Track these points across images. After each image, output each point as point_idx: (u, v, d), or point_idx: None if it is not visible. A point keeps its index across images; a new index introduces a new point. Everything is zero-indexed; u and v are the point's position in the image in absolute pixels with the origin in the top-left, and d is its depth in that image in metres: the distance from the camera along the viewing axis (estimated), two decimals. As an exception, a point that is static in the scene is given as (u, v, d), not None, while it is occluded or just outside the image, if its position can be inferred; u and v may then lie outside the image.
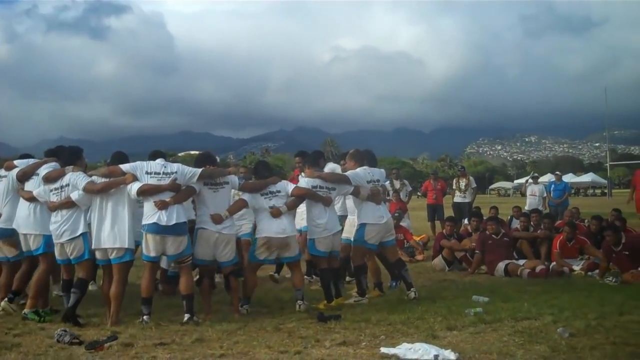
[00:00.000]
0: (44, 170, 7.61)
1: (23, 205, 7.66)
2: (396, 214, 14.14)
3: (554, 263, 10.89)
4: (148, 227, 7.10)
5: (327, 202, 8.14)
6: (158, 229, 7.07)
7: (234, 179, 7.87)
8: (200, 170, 7.52)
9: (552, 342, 5.87)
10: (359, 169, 8.70)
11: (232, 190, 7.94)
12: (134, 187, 7.14)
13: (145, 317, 7.15)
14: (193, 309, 7.19)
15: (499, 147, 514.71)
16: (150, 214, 7.10)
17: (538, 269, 10.33)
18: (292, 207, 8.03)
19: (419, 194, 23.05)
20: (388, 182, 17.87)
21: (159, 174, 7.30)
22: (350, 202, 8.86)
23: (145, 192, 7.14)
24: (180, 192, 7.30)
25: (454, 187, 17.34)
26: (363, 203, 8.46)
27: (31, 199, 7.56)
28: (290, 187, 8.13)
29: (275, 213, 7.76)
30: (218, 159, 14.68)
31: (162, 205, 7.06)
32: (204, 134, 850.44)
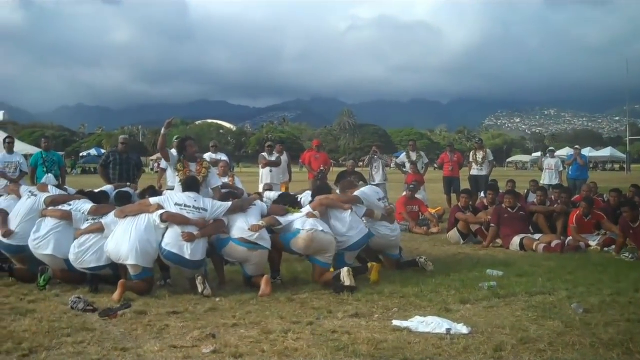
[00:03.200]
0: (86, 205, 7.78)
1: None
2: (412, 186, 14.12)
3: (570, 238, 10.79)
4: (167, 254, 7.07)
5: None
6: (178, 260, 7.07)
7: (263, 205, 8.02)
8: (229, 204, 7.62)
9: (566, 318, 5.84)
10: (365, 189, 8.87)
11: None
12: (159, 213, 7.19)
13: (168, 280, 7.52)
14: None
15: (518, 120, 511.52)
16: (173, 242, 7.06)
17: (554, 243, 10.26)
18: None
19: (435, 166, 22.97)
20: (404, 154, 17.87)
21: (189, 206, 7.36)
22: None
23: (172, 220, 7.18)
24: (209, 226, 7.34)
25: (470, 159, 17.17)
26: (376, 223, 8.47)
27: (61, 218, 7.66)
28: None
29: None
30: (215, 143, 14.61)
31: (189, 238, 7.04)
32: (221, 102, 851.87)
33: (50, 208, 7.78)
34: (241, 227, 7.40)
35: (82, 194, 8.54)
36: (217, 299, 6.74)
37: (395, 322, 5.69)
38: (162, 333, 5.49)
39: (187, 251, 7.00)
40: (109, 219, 7.42)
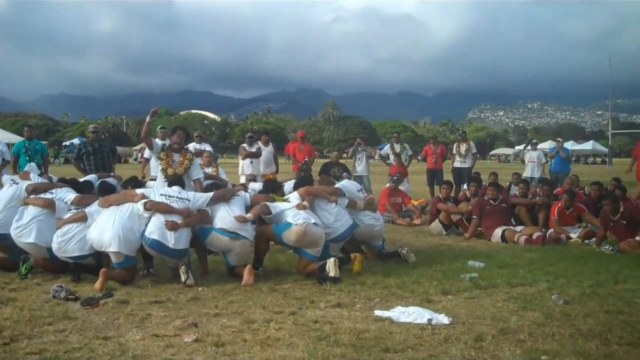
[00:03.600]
0: (69, 195, 7.76)
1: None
2: (395, 178, 14.15)
3: (552, 230, 10.87)
4: (151, 243, 7.03)
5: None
6: (161, 248, 7.04)
7: (246, 195, 8.04)
8: (210, 195, 7.64)
9: (546, 309, 5.90)
10: (344, 182, 9.01)
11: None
12: (142, 201, 7.18)
13: (150, 269, 7.56)
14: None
15: (501, 113, 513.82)
16: (156, 231, 7.04)
17: (535, 235, 10.33)
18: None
19: (419, 158, 23.10)
20: (388, 146, 17.90)
21: (172, 197, 7.39)
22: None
23: (156, 208, 7.17)
24: (193, 216, 7.34)
25: (454, 151, 17.23)
26: (360, 212, 8.52)
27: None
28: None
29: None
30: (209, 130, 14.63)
31: (173, 227, 7.03)
32: (206, 92, 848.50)
33: (32, 196, 7.73)
34: (223, 216, 7.40)
35: (64, 182, 8.49)
36: (200, 289, 6.75)
37: (377, 312, 5.72)
38: (144, 322, 5.48)
39: (171, 240, 6.99)
40: (92, 208, 7.39)
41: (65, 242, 7.20)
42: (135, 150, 67.16)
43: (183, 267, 6.99)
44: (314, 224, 7.53)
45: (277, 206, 7.84)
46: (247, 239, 7.43)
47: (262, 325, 5.35)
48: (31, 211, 7.54)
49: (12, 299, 6.23)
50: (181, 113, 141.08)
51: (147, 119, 8.48)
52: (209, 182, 8.91)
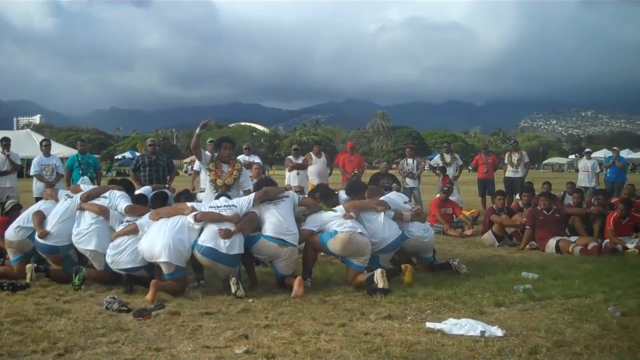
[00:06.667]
0: (122, 202, 7.90)
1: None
2: (445, 188, 14.03)
3: (607, 240, 10.62)
4: (204, 250, 7.08)
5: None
6: (214, 255, 7.08)
7: (294, 196, 8.03)
8: (253, 195, 7.68)
9: (602, 321, 5.75)
10: (391, 194, 8.93)
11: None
12: (192, 214, 7.28)
13: (201, 281, 7.63)
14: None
15: (554, 122, 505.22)
16: (209, 238, 7.10)
17: (590, 246, 10.10)
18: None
19: (470, 168, 22.81)
20: (438, 156, 17.76)
21: (220, 206, 7.50)
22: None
23: (207, 218, 7.26)
24: (242, 221, 7.40)
25: (505, 161, 17.06)
26: (408, 224, 8.45)
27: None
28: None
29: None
30: (248, 144, 14.80)
31: (226, 234, 7.10)
32: (254, 105, 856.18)
33: (88, 202, 7.89)
34: (272, 222, 7.43)
35: (115, 182, 8.63)
36: (250, 300, 6.76)
37: (429, 324, 5.65)
38: (195, 333, 5.52)
39: (224, 246, 7.05)
40: (143, 220, 7.51)
41: (118, 255, 7.33)
42: (186, 162, 68.13)
43: (233, 278, 7.02)
44: (360, 232, 7.50)
45: (324, 215, 7.84)
46: (294, 246, 7.44)
47: (312, 337, 5.33)
48: (88, 218, 7.71)
49: (66, 311, 6.34)
50: (230, 125, 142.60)
51: (197, 131, 8.58)
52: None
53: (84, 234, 7.59)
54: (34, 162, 13.14)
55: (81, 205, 7.84)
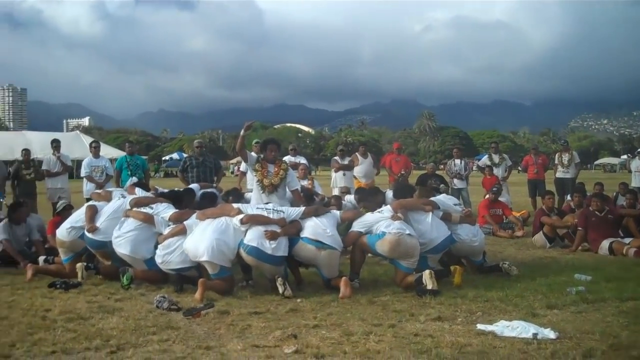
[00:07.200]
0: (168, 211, 8.00)
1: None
2: (494, 189, 13.85)
3: (663, 242, 10.32)
4: (249, 250, 7.12)
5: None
6: (259, 255, 7.11)
7: (336, 214, 7.99)
8: (303, 209, 7.72)
9: (660, 325, 5.59)
10: (440, 196, 8.85)
11: None
12: (239, 217, 7.33)
13: (250, 281, 7.64)
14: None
15: (605, 121, 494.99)
16: (255, 238, 7.13)
17: (645, 248, 9.84)
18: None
19: (519, 168, 22.47)
20: (487, 156, 17.56)
21: (268, 209, 7.54)
22: None
23: (253, 220, 7.30)
24: (289, 225, 7.42)
25: (556, 161, 16.76)
26: (457, 226, 8.30)
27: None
28: None
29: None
30: (293, 145, 14.88)
31: (272, 236, 7.13)
32: (299, 106, 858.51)
33: (134, 209, 8.02)
34: (310, 225, 7.43)
35: (164, 196, 8.74)
36: (298, 300, 6.77)
37: (480, 326, 5.57)
38: (244, 332, 5.55)
39: (269, 247, 7.07)
40: (191, 220, 7.59)
41: (169, 255, 7.44)
42: (232, 163, 68.73)
43: (280, 279, 7.04)
44: (408, 234, 7.44)
45: (371, 216, 7.80)
46: (333, 249, 7.38)
47: (361, 338, 5.31)
48: (130, 223, 7.84)
49: (117, 309, 6.44)
50: (275, 127, 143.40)
51: (242, 132, 8.62)
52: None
53: (123, 237, 7.72)
54: (84, 163, 13.43)
55: (127, 212, 7.98)
